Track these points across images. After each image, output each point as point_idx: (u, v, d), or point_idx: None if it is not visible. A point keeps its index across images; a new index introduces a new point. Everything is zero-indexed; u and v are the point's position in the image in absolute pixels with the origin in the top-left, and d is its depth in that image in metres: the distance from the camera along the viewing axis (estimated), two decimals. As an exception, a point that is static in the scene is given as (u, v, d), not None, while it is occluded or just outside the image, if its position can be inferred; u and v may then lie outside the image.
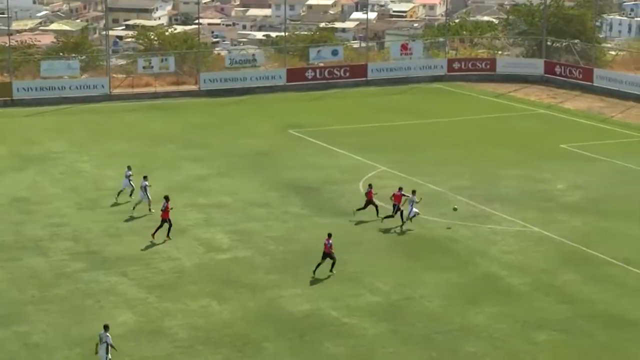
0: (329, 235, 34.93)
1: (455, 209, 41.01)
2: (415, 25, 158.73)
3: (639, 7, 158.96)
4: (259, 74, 70.12)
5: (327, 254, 34.73)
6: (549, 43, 75.12)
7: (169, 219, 38.23)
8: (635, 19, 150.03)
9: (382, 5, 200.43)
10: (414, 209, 39.48)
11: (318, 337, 30.32)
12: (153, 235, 38.43)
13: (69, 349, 29.32)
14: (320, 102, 66.56)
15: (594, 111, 62.13)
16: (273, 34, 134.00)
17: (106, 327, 27.78)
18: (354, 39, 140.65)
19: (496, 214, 41.37)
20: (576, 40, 74.56)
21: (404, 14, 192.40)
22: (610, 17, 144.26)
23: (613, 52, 78.73)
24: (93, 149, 53.00)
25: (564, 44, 75.12)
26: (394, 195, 39.97)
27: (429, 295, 33.39)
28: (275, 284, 34.52)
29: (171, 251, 37.47)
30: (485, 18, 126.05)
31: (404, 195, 39.73)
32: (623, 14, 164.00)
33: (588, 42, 74.42)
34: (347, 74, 71.10)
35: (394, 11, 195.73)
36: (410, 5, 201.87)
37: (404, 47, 73.89)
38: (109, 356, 27.57)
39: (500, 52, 79.09)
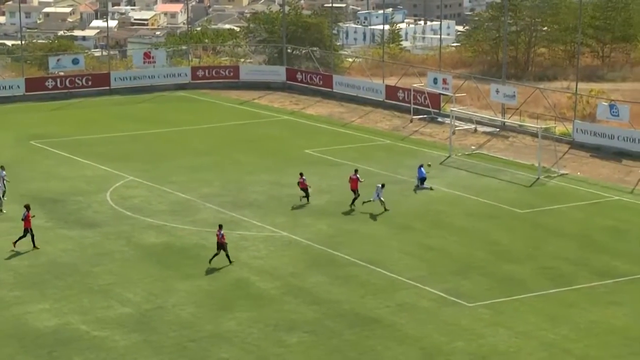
0: (220, 227, 36.26)
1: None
2: (158, 33, 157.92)
3: (372, 16, 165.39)
4: (-5, 84, 67.61)
5: (220, 245, 36.02)
6: (289, 50, 76.80)
7: (31, 228, 37.85)
8: (369, 27, 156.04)
9: (122, 14, 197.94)
10: (377, 196, 42.89)
11: (67, 352, 29.59)
12: (14, 244, 37.85)
13: None
14: (63, 111, 64.90)
15: (334, 117, 64.02)
16: (8, 43, 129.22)
17: None
18: (95, 47, 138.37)
19: (245, 220, 41.85)
20: (315, 48, 76.68)
21: (145, 22, 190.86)
22: (346, 25, 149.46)
23: (350, 59, 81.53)
24: None
25: (303, 51, 77.04)
26: (350, 178, 43.64)
27: (180, 303, 33.33)
28: (20, 300, 33.39)
29: None
30: (227, 26, 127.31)
31: (359, 179, 43.38)
32: (358, 22, 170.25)
33: (326, 50, 76.72)
34: (90, 83, 69.76)
35: (135, 19, 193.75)
36: (152, 13, 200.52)
37: (146, 55, 73.35)
38: None
39: (243, 60, 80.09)
